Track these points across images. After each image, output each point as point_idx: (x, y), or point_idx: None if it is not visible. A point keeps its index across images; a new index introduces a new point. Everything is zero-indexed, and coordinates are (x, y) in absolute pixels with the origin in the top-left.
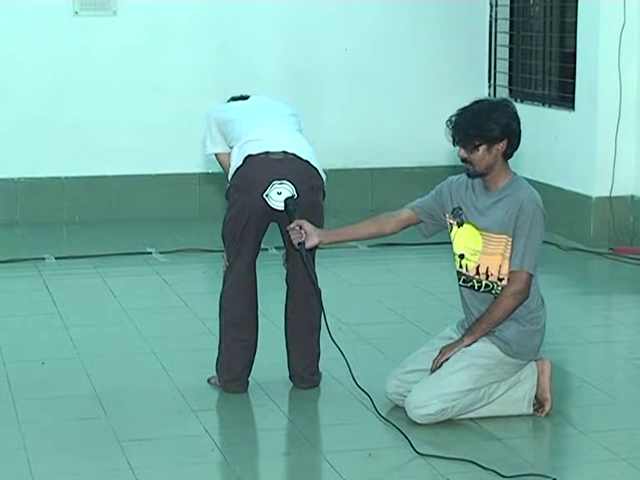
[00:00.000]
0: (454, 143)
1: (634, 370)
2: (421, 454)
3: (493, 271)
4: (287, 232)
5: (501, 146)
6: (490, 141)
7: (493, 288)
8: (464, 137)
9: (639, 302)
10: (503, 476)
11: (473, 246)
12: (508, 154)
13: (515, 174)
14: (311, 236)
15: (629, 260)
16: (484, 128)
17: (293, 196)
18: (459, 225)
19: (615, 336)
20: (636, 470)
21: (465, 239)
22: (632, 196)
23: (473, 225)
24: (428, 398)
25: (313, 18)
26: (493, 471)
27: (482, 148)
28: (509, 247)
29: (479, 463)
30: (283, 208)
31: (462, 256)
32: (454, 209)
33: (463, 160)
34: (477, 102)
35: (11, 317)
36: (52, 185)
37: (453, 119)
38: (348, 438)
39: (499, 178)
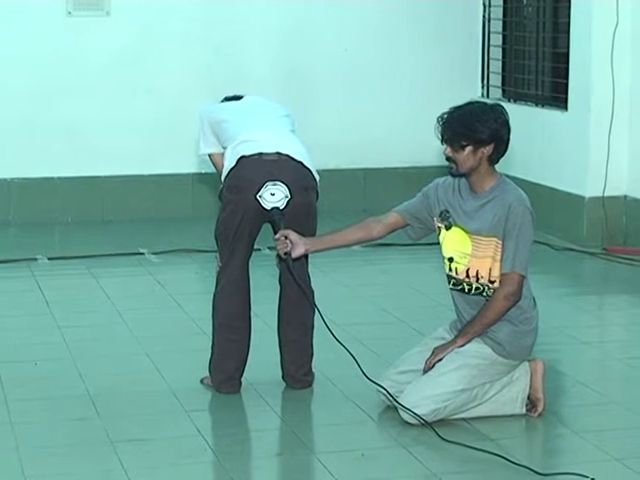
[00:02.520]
0: (442, 140)
1: (627, 370)
2: (447, 441)
3: (483, 274)
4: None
5: (487, 150)
6: (477, 143)
7: (484, 291)
8: (452, 135)
9: (632, 302)
10: (538, 473)
11: (462, 249)
12: (494, 159)
13: (502, 176)
14: (297, 245)
15: (622, 260)
16: (473, 129)
17: (278, 207)
18: (447, 228)
19: (608, 336)
20: (629, 470)
21: (454, 242)
22: (625, 196)
23: (461, 228)
24: (421, 398)
25: (306, 18)
26: (527, 467)
27: (468, 149)
28: (499, 249)
29: (508, 458)
30: (269, 217)
31: (451, 259)
32: (441, 212)
33: (448, 158)
34: (471, 103)
35: (3, 317)
36: (45, 185)
37: (445, 117)
38: (341, 438)
39: (485, 181)
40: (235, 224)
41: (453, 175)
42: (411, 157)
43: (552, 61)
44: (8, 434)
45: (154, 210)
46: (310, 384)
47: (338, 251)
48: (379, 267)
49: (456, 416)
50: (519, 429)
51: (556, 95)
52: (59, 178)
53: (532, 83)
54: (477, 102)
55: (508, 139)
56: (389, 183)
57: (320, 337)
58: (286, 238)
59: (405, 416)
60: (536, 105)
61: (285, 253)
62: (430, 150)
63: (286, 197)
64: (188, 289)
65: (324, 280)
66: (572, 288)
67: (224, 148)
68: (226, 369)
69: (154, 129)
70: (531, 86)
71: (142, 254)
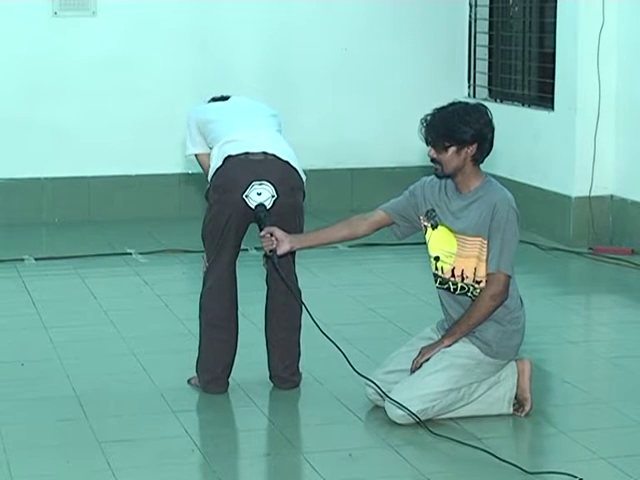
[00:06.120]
0: (426, 142)
1: (613, 369)
2: (438, 435)
3: (468, 273)
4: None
5: (471, 150)
6: (460, 143)
7: (469, 290)
8: (435, 137)
9: (618, 302)
10: (526, 472)
11: (448, 248)
12: (478, 159)
13: (487, 176)
14: (282, 243)
15: (608, 260)
16: (456, 130)
17: (263, 204)
18: (433, 227)
19: (595, 335)
20: (615, 469)
21: (440, 241)
22: (611, 196)
23: (447, 227)
24: (408, 398)
25: (292, 19)
26: (515, 466)
27: (451, 150)
28: (484, 249)
29: (495, 454)
30: (254, 215)
31: (437, 258)
32: (428, 211)
33: (432, 160)
34: (453, 104)
35: None
36: (31, 186)
37: (427, 118)
38: (328, 438)
39: (470, 181)
40: (222, 224)
41: (439, 177)
42: (398, 157)
43: (538, 61)
44: None
45: (141, 210)
46: (297, 384)
47: (325, 251)
48: (366, 267)
49: (444, 416)
50: (506, 429)
51: (542, 95)
52: (45, 178)
53: (518, 83)
54: (459, 102)
55: (492, 138)
56: (376, 183)
57: (307, 337)
58: (271, 235)
59: (393, 416)
60: (522, 105)
61: (270, 250)
62: (417, 150)
63: (273, 197)
64: (175, 289)
65: (311, 280)
66: (559, 288)
67: (210, 148)
68: (213, 369)
69: (141, 129)
70: (517, 86)
71: (129, 254)
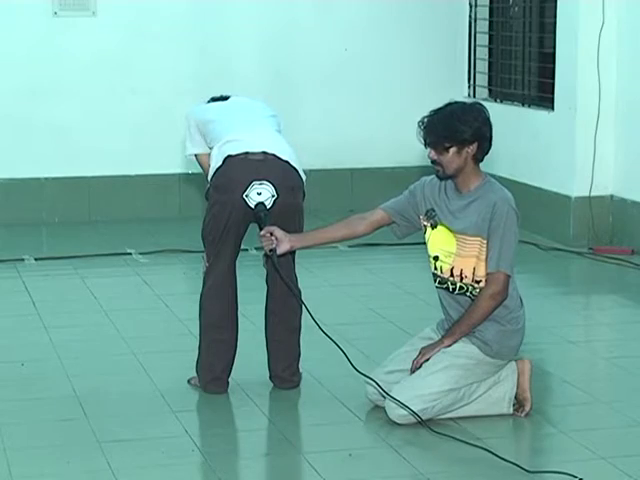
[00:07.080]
0: (425, 144)
1: (613, 369)
2: (437, 432)
3: (467, 273)
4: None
5: (471, 149)
6: (460, 143)
7: (468, 290)
8: (435, 138)
9: (618, 302)
10: (526, 470)
11: (447, 248)
12: (478, 158)
13: (487, 176)
14: (282, 242)
15: (608, 260)
16: (455, 130)
17: (263, 203)
18: (433, 227)
19: (594, 335)
20: (615, 469)
21: (439, 241)
22: (611, 196)
23: (447, 227)
24: (408, 398)
25: (292, 19)
26: (515, 464)
27: (452, 150)
28: (484, 249)
29: (496, 453)
30: (254, 214)
31: (437, 258)
32: (427, 211)
33: (433, 162)
34: (450, 104)
35: None
36: (31, 186)
37: (425, 120)
38: (328, 438)
39: (470, 180)
40: (222, 224)
41: (440, 178)
42: (397, 157)
43: (538, 61)
44: None
45: (141, 210)
46: (297, 384)
47: (325, 251)
48: (366, 267)
49: (444, 416)
50: (506, 429)
51: (542, 95)
52: (45, 178)
53: (518, 83)
54: (456, 102)
55: (491, 136)
56: (375, 183)
57: (307, 337)
58: (271, 235)
59: (393, 416)
60: (522, 105)
61: (270, 250)
62: (416, 150)
63: (273, 196)
64: (175, 289)
65: (311, 280)
66: (559, 288)
67: (210, 148)
68: (213, 369)
69: (141, 129)
70: (517, 86)
71: (129, 254)
